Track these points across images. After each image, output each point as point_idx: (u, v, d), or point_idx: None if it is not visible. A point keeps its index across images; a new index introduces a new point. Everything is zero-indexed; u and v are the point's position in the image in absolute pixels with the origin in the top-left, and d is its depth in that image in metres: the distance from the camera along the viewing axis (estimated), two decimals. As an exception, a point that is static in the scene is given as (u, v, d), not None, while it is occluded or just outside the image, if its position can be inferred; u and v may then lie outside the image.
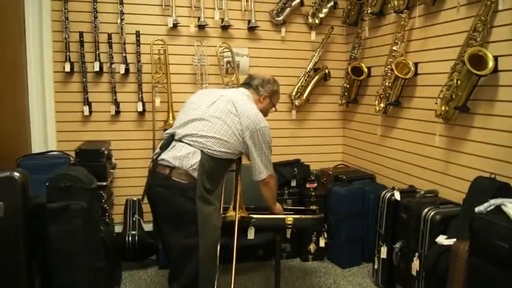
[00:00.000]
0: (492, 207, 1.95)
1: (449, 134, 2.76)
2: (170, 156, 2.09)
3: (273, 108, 2.51)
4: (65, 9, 3.31)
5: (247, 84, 2.43)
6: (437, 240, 2.32)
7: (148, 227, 3.37)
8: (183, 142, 2.12)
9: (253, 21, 3.72)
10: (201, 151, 2.09)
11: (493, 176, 2.33)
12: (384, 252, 2.85)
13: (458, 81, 2.48)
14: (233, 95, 2.27)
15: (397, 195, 2.78)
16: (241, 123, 2.18)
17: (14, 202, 2.15)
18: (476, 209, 1.98)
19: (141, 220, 3.35)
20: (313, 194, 3.46)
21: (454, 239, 2.16)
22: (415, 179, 3.08)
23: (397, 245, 2.69)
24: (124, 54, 3.47)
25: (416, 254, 2.50)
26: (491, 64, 2.33)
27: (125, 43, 3.45)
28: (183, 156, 2.07)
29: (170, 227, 2.13)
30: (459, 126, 2.67)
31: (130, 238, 3.22)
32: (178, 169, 2.06)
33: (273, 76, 2.49)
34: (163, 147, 2.15)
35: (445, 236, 2.31)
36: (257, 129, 2.20)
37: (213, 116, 2.16)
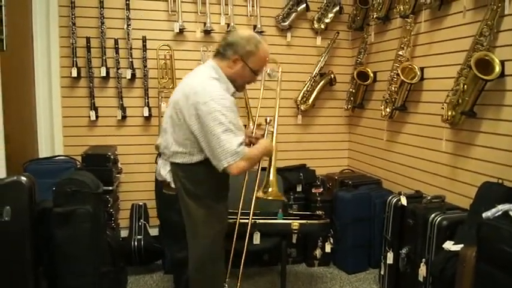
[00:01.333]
0: (500, 212, 1.93)
1: (456, 139, 2.74)
2: (157, 171, 2.10)
3: (255, 77, 2.06)
4: (72, 15, 3.34)
5: (216, 51, 2.05)
6: (444, 246, 2.30)
7: (154, 232, 3.37)
8: (160, 153, 2.11)
9: (259, 26, 3.73)
10: (169, 161, 2.00)
11: (500, 181, 2.31)
12: (390, 257, 2.83)
13: (465, 86, 2.46)
14: (186, 83, 1.99)
15: (404, 201, 2.77)
16: (181, 105, 1.90)
17: (20, 206, 2.16)
18: (484, 215, 1.97)
19: (147, 225, 3.35)
20: (319, 199, 3.44)
21: (461, 245, 2.15)
22: (421, 184, 3.06)
23: (404, 251, 2.67)
24: (130, 60, 3.49)
25: (423, 259, 2.48)
26: (497, 69, 2.32)
27: (131, 48, 3.48)
28: (160, 168, 2.05)
29: (170, 239, 2.19)
30: (466, 131, 2.66)
31: (136, 243, 3.22)
32: (165, 181, 2.04)
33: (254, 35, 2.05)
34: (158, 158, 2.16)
35: (452, 242, 2.29)
36: (201, 104, 1.82)
37: (167, 115, 2.03)
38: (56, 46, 3.39)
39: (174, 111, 1.95)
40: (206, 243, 2.03)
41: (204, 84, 1.89)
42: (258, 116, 2.39)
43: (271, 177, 2.27)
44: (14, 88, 2.88)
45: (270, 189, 2.27)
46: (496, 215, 1.94)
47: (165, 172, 2.00)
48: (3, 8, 2.32)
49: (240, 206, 2.48)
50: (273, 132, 2.31)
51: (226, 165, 1.82)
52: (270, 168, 2.28)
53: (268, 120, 2.29)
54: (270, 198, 2.31)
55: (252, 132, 2.24)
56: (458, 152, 2.73)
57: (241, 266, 2.38)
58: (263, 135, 2.24)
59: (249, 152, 1.90)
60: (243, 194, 2.47)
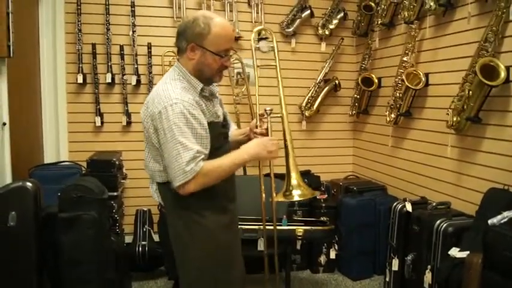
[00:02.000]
0: (506, 219, 1.92)
1: (461, 145, 2.73)
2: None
3: (223, 60, 1.72)
4: (78, 21, 3.37)
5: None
6: (450, 252, 2.29)
7: (158, 238, 3.37)
8: None
9: (264, 32, 3.74)
10: (155, 181, 1.83)
11: (506, 187, 2.30)
12: (395, 264, 2.81)
13: (470, 92, 2.46)
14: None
15: (409, 207, 2.75)
16: (143, 117, 1.75)
17: (26, 212, 2.17)
18: (490, 221, 1.96)
19: (151, 230, 3.35)
20: (323, 205, 3.43)
21: (467, 252, 2.13)
22: (426, 190, 3.05)
23: (409, 258, 2.66)
24: (136, 66, 3.51)
25: (429, 266, 2.46)
26: (503, 74, 2.31)
27: (136, 55, 3.50)
28: (150, 188, 1.89)
29: (170, 250, 1.94)
30: (471, 137, 2.65)
31: (140, 248, 3.22)
32: None
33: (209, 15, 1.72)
34: None
35: (458, 249, 2.28)
36: (156, 115, 1.63)
37: None
38: (62, 52, 3.42)
39: (142, 124, 1.78)
40: (193, 269, 1.75)
41: (159, 91, 1.67)
42: (259, 104, 1.96)
43: (294, 178, 1.87)
44: (21, 94, 2.90)
45: (296, 191, 1.88)
46: (502, 221, 1.93)
47: (153, 191, 1.84)
48: (10, 15, 2.34)
49: (264, 213, 2.20)
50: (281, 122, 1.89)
51: (176, 184, 1.60)
52: (288, 168, 1.86)
53: (268, 111, 1.87)
54: (302, 199, 1.97)
55: (256, 126, 1.90)
56: (464, 158, 2.72)
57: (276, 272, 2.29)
58: (267, 130, 1.87)
59: (206, 167, 1.61)
60: (262, 200, 2.10)
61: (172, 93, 1.62)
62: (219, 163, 1.66)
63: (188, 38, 1.67)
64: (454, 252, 2.27)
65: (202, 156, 1.61)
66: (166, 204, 1.81)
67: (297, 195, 1.89)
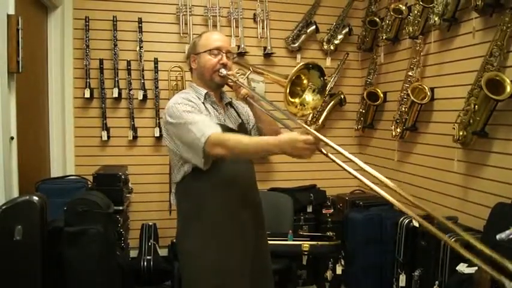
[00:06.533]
0: (514, 234, 1.90)
1: (468, 159, 2.72)
2: None
3: (214, 58, 1.87)
4: (86, 37, 3.42)
5: None
6: (458, 268, 2.26)
7: (163, 252, 3.36)
8: None
9: (269, 47, 3.77)
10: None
11: (514, 202, 2.28)
12: (402, 280, 2.78)
13: (476, 106, 2.46)
14: None
15: (416, 222, 2.73)
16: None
17: (32, 225, 2.17)
18: (498, 236, 1.93)
19: (157, 245, 3.34)
20: (329, 220, 3.42)
21: (476, 267, 2.11)
22: (433, 205, 3.02)
23: (416, 273, 2.63)
24: (142, 81, 3.54)
25: (437, 282, 2.43)
26: (508, 89, 2.31)
27: (143, 70, 3.54)
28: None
29: None
30: (478, 151, 2.63)
31: (145, 263, 3.21)
32: None
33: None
34: None
35: (466, 264, 2.25)
36: (165, 113, 1.80)
37: None
38: (69, 67, 3.46)
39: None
40: (187, 280, 1.83)
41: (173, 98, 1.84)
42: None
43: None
44: (28, 108, 2.94)
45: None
46: (510, 236, 1.90)
47: (172, 196, 1.92)
48: (20, 31, 2.39)
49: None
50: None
51: (204, 140, 1.61)
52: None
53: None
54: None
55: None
56: (470, 172, 2.71)
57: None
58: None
59: (227, 135, 1.67)
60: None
61: (174, 100, 1.80)
62: (242, 138, 1.69)
63: (189, 53, 1.95)
64: (462, 267, 2.24)
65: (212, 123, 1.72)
66: (177, 207, 1.91)
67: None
